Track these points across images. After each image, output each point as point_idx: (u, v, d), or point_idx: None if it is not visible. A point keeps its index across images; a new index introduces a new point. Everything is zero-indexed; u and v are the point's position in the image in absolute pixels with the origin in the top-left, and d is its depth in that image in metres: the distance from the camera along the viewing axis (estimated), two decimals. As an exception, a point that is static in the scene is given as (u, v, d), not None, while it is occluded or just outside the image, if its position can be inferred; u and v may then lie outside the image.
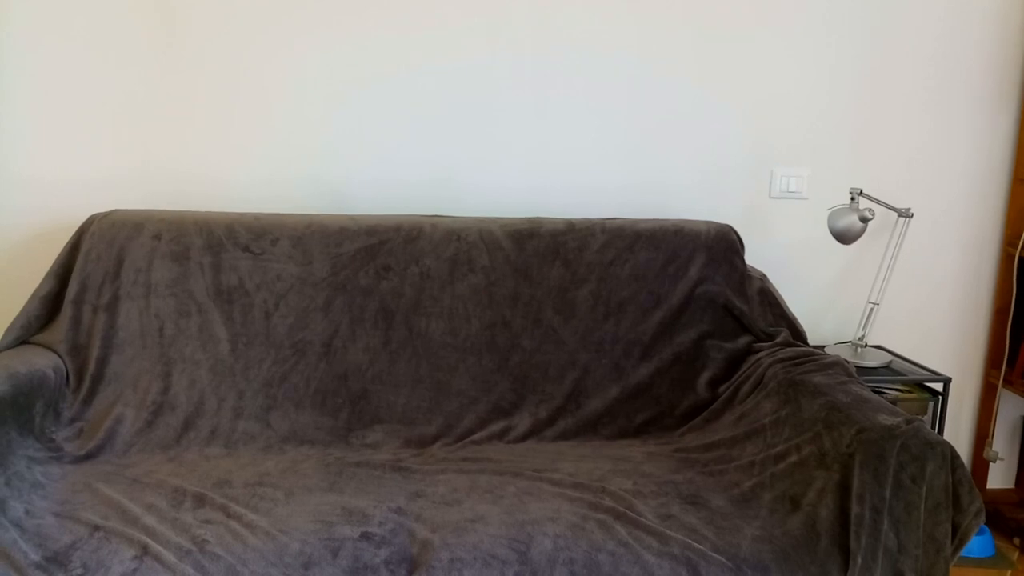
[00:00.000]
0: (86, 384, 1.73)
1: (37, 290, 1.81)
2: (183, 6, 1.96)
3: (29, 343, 1.77)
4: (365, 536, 1.36)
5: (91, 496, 1.46)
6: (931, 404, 2.05)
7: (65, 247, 1.83)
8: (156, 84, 1.99)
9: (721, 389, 1.88)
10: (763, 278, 2.02)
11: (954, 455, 1.39)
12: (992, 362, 2.35)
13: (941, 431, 2.05)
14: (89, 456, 1.64)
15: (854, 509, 1.38)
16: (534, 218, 1.98)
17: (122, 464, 1.61)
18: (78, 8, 1.93)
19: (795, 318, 1.99)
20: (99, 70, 1.97)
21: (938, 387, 2.06)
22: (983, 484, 2.40)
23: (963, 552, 1.41)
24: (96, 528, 1.34)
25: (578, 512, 1.45)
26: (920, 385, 2.09)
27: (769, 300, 2.00)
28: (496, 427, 1.82)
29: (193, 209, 2.04)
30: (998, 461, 2.39)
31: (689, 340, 1.92)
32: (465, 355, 1.86)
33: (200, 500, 1.46)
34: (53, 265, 1.82)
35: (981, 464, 2.39)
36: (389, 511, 1.44)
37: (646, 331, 1.91)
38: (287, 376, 1.80)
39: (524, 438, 1.81)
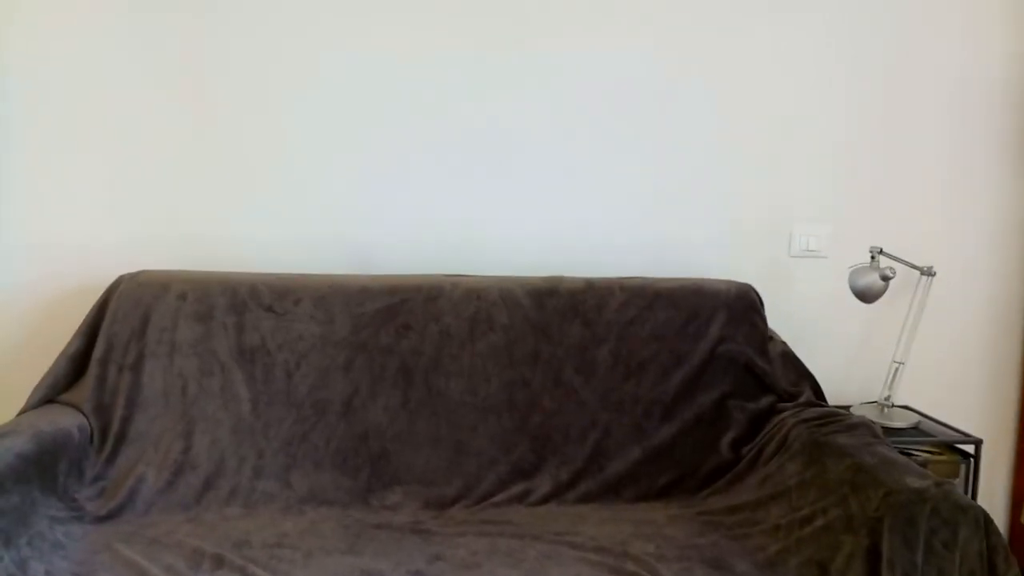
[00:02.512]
0: (109, 443, 1.74)
1: (65, 349, 1.84)
2: (209, 71, 2.04)
3: (56, 402, 1.79)
4: (383, 600, 1.34)
5: (110, 557, 1.46)
6: (963, 467, 2.00)
7: (93, 307, 1.87)
8: (182, 149, 2.06)
9: (744, 450, 1.85)
10: (784, 344, 2.01)
11: (987, 520, 1.35)
12: (1024, 423, 2.30)
13: (975, 495, 1.99)
14: (110, 516, 1.64)
15: (885, 576, 1.34)
16: (553, 277, 1.99)
17: (142, 524, 1.61)
18: (105, 75, 2.01)
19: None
20: (127, 137, 2.04)
21: (969, 449, 2.01)
22: (1020, 550, 2.32)
23: (1001, 622, 1.36)
24: (114, 590, 1.33)
25: (600, 577, 1.42)
26: (950, 447, 2.04)
27: (792, 360, 1.98)
28: (516, 489, 1.80)
29: (218, 270, 2.08)
30: (1035, 526, 2.31)
31: (711, 400, 1.90)
32: (485, 414, 1.86)
33: (219, 561, 1.45)
34: (81, 324, 1.86)
35: (1018, 529, 2.32)
36: (408, 574, 1.42)
37: (667, 391, 1.90)
38: (307, 435, 1.81)
39: (545, 501, 1.79)
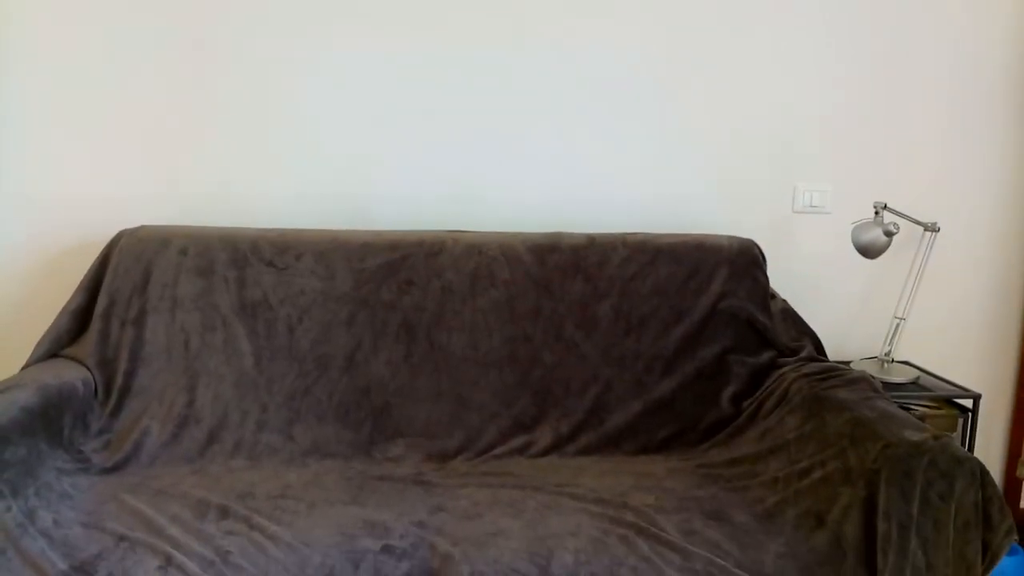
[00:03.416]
0: (114, 397, 1.76)
1: (67, 304, 1.84)
2: (210, 28, 2.01)
3: (60, 356, 1.80)
4: (386, 549, 1.37)
5: (117, 507, 1.48)
6: (961, 421, 2.01)
7: (94, 262, 1.87)
8: (185, 104, 2.03)
9: (745, 404, 1.87)
10: (784, 301, 2.01)
11: (983, 472, 1.36)
12: None
13: (972, 448, 2.01)
14: (116, 468, 1.66)
15: (880, 527, 1.36)
16: (555, 233, 1.98)
17: (148, 476, 1.63)
18: (106, 28, 1.98)
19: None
20: (128, 90, 2.01)
21: (968, 403, 2.02)
22: (1016, 503, 2.35)
23: (994, 572, 1.38)
24: (122, 538, 1.36)
25: (599, 527, 1.44)
26: (949, 401, 2.05)
27: (793, 316, 1.98)
28: (517, 442, 1.82)
29: (219, 225, 2.07)
30: (1031, 480, 2.34)
31: (712, 355, 1.91)
32: (486, 369, 1.86)
33: (223, 511, 1.47)
34: (83, 280, 1.86)
35: (1014, 483, 2.34)
36: (410, 524, 1.44)
37: (668, 346, 1.90)
38: (310, 390, 1.82)
39: (546, 453, 1.81)
